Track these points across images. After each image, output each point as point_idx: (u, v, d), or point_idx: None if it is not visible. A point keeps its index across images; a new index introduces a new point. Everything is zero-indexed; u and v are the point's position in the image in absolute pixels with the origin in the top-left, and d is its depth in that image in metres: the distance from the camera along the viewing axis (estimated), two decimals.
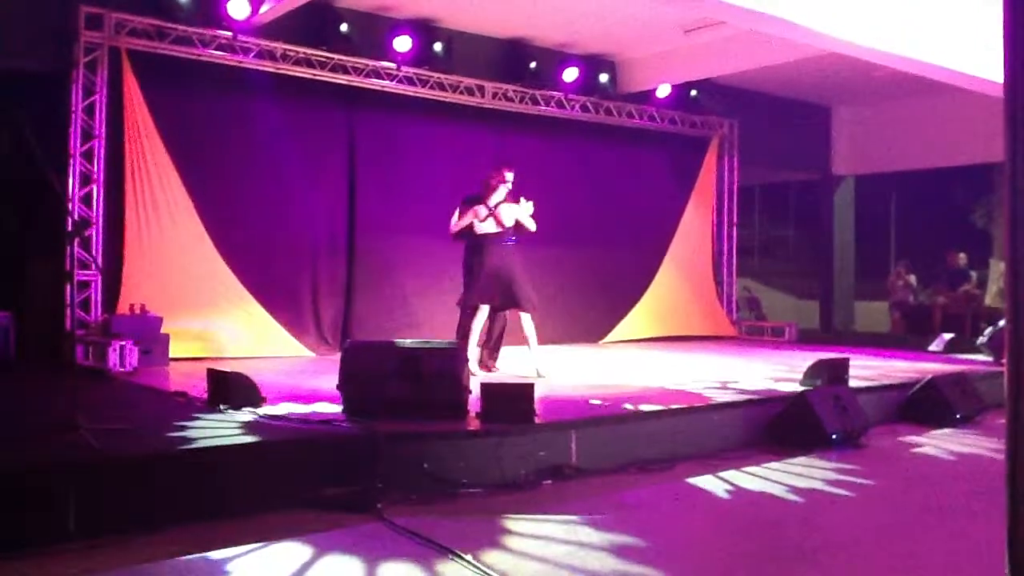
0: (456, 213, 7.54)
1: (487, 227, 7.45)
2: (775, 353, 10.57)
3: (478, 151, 10.59)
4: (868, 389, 7.17)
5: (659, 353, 10.32)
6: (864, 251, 16.42)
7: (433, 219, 9.91)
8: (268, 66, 9.09)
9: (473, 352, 7.36)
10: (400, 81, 9.98)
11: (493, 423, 4.96)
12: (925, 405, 7.13)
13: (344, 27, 9.35)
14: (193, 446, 4.33)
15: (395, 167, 10.01)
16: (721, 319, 13.04)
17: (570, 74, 11.05)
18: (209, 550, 3.53)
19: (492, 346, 7.79)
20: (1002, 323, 5.14)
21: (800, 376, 7.19)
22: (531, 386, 5.21)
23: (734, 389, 6.85)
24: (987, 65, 8.37)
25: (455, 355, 5.35)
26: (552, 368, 7.76)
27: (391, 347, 5.50)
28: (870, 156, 14.79)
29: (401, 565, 3.43)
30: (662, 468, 5.17)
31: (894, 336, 13.56)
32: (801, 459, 5.57)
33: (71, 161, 8.01)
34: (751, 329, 13.65)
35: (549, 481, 4.82)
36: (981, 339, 10.01)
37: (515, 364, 7.98)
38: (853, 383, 7.12)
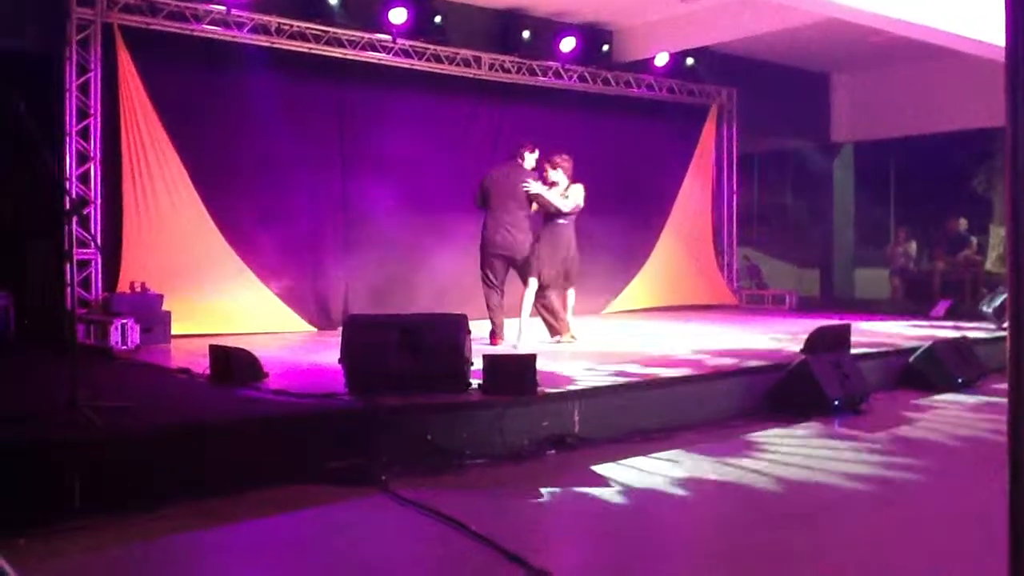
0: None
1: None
2: (776, 321, 10.59)
3: (475, 123, 10.56)
4: (869, 355, 7.19)
5: (660, 323, 10.34)
6: (864, 218, 16.38)
7: (431, 192, 9.92)
8: (263, 40, 9.01)
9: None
10: (396, 54, 9.90)
11: (496, 394, 4.98)
12: (926, 371, 7.15)
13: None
14: (197, 422, 4.36)
15: (392, 140, 9.92)
16: (722, 288, 13.04)
17: (567, 44, 10.95)
18: (213, 525, 3.56)
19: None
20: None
21: (801, 343, 7.20)
22: (533, 357, 5.21)
23: (736, 357, 6.86)
24: (987, 28, 8.29)
25: (456, 327, 5.35)
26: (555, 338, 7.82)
27: (392, 320, 5.50)
28: (869, 122, 14.70)
29: (407, 537, 3.46)
30: (664, 436, 5.20)
31: (894, 302, 13.57)
32: (803, 426, 5.60)
33: (67, 140, 7.96)
34: (752, 297, 13.65)
35: (552, 451, 4.85)
36: (986, 306, 9.93)
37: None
38: (854, 350, 7.13)
